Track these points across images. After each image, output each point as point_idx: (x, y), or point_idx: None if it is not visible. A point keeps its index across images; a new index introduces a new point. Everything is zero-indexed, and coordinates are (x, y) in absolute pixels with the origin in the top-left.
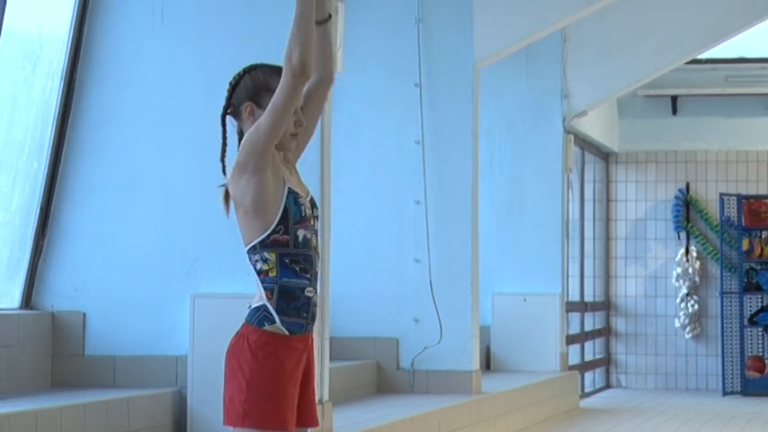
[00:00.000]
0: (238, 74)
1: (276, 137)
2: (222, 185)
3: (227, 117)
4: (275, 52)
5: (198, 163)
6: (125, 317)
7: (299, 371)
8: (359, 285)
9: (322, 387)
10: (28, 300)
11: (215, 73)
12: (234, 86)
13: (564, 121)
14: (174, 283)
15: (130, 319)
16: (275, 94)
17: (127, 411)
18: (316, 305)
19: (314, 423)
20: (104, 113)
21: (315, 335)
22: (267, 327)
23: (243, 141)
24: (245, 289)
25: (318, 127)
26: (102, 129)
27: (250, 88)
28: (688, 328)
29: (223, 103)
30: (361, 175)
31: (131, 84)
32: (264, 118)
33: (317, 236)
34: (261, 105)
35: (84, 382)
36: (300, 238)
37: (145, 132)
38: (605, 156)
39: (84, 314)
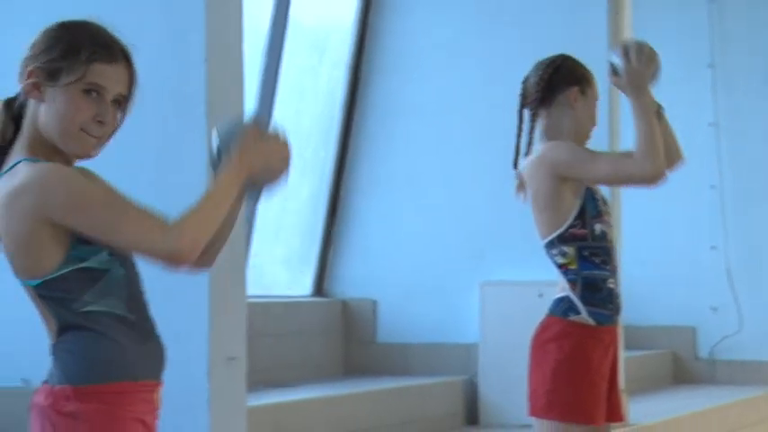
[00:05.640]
0: (551, 63)
1: None
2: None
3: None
4: (561, 42)
5: (484, 152)
6: (415, 305)
7: (606, 364)
8: (652, 273)
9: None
10: (319, 287)
11: (500, 62)
12: (551, 75)
13: None
14: (463, 271)
15: (420, 307)
16: None
17: (420, 399)
18: (619, 296)
19: (619, 418)
20: (390, 103)
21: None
22: (572, 317)
23: (565, 157)
24: (534, 276)
25: (606, 113)
26: (387, 118)
27: (576, 72)
28: None
29: (520, 94)
30: None
31: (416, 74)
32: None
33: (611, 230)
34: (584, 93)
35: (377, 369)
36: (597, 232)
37: (430, 122)
38: None
39: (375, 302)
